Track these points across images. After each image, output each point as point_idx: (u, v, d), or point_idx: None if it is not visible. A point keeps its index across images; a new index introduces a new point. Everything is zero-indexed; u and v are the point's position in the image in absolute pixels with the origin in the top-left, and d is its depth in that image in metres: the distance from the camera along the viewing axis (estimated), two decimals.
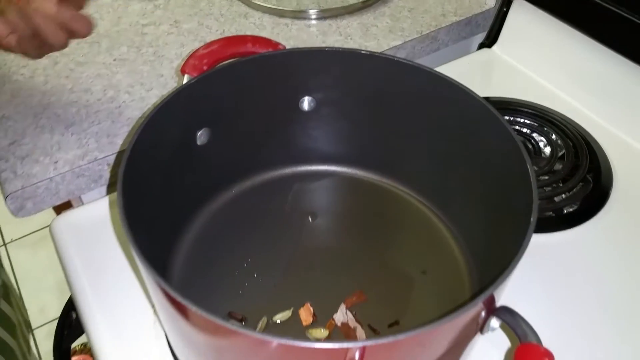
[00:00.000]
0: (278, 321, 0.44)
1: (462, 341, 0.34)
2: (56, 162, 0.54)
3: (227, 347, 0.33)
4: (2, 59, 0.65)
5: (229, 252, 0.49)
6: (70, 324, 0.59)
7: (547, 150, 0.58)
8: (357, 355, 0.29)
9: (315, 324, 0.44)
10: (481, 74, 0.69)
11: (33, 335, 1.31)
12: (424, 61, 0.70)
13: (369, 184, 0.54)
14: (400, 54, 0.68)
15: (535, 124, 0.60)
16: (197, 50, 0.46)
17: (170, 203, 0.46)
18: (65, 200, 0.56)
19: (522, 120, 0.60)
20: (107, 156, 0.54)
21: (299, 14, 0.71)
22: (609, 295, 0.47)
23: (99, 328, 0.46)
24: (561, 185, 0.54)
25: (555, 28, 0.63)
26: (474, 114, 0.43)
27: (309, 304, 0.45)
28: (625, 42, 0.56)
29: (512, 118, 0.60)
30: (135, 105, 0.59)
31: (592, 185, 0.54)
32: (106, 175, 0.56)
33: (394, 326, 0.44)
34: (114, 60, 0.65)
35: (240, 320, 0.44)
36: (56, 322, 0.57)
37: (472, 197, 0.46)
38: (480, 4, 0.73)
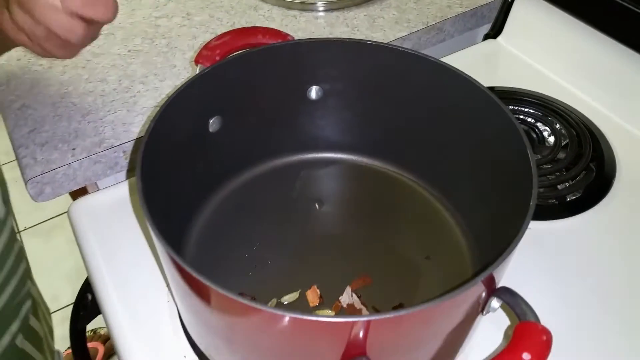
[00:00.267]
0: (286, 302, 0.46)
1: (464, 321, 0.35)
2: (74, 149, 0.55)
3: (239, 322, 0.34)
4: (23, 50, 0.67)
5: (239, 236, 0.50)
6: (85, 305, 0.61)
7: (551, 139, 0.59)
8: (362, 331, 0.30)
9: (321, 305, 0.46)
10: (486, 64, 0.70)
11: None
12: (429, 52, 0.71)
13: (374, 171, 0.55)
14: (407, 45, 0.69)
15: (539, 114, 0.61)
16: (210, 41, 0.47)
17: (184, 188, 0.48)
18: (82, 185, 0.58)
19: (526, 109, 0.61)
20: (122, 143, 0.56)
21: (307, 6, 0.72)
22: (609, 280, 0.48)
23: (115, 307, 0.48)
24: (564, 173, 0.55)
25: (559, 19, 0.64)
26: (477, 103, 0.44)
27: (315, 287, 0.46)
28: (628, 32, 0.57)
29: (516, 107, 0.61)
30: (149, 95, 0.61)
31: (595, 173, 0.55)
32: (122, 162, 0.57)
33: (398, 308, 0.45)
34: (129, 51, 0.67)
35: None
36: (68, 308, 0.59)
37: (475, 184, 0.48)
38: None
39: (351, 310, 0.45)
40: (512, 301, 0.33)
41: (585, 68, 0.64)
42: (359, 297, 0.46)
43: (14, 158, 0.56)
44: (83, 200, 0.56)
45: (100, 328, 1.25)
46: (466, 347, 0.41)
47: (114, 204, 0.55)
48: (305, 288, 0.46)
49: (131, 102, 0.60)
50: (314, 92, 0.52)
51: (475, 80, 0.44)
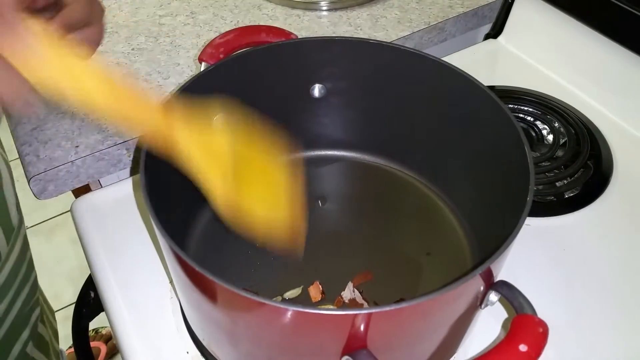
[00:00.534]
0: (288, 298, 0.46)
1: (463, 314, 0.36)
2: (77, 147, 0.56)
3: (242, 317, 0.35)
4: None
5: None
6: (88, 302, 0.61)
7: (550, 137, 0.60)
8: (362, 324, 0.31)
9: (323, 300, 0.46)
10: (487, 63, 0.71)
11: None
12: (431, 51, 0.72)
13: (376, 168, 0.56)
14: (409, 45, 0.69)
15: (539, 112, 0.61)
16: (214, 39, 0.48)
17: (187, 185, 0.48)
18: (85, 183, 0.58)
19: (525, 108, 0.62)
20: (126, 141, 0.57)
21: (310, 5, 0.73)
22: (605, 275, 0.49)
23: (118, 304, 0.48)
24: (563, 170, 0.56)
25: (558, 19, 0.65)
26: (477, 101, 0.45)
27: (318, 282, 0.47)
28: (626, 33, 0.58)
29: (516, 106, 0.62)
30: (153, 93, 0.62)
31: (592, 171, 0.55)
32: (125, 159, 0.58)
33: None
34: (132, 49, 0.67)
35: None
36: (70, 308, 0.59)
37: (475, 181, 0.48)
38: None
39: (353, 305, 0.46)
40: (510, 294, 0.33)
41: (584, 68, 0.64)
42: (361, 293, 0.46)
43: (16, 156, 0.56)
44: (86, 198, 0.57)
45: (102, 327, 1.26)
46: (466, 340, 0.41)
47: (117, 201, 0.56)
48: (307, 284, 0.47)
49: None
50: (317, 90, 0.52)
51: (475, 79, 0.45)
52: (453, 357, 0.42)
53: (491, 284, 0.34)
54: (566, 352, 0.44)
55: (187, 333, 0.46)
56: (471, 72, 0.45)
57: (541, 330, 0.31)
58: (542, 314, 0.32)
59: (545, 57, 0.68)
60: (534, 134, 0.60)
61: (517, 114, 0.62)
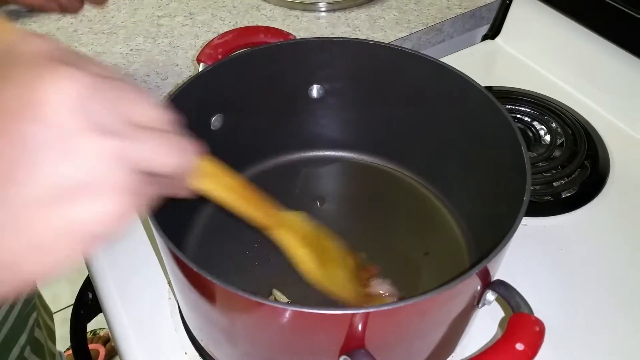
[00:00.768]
0: (285, 300, 0.46)
1: (461, 314, 0.36)
2: None
3: (240, 317, 0.35)
4: None
5: (240, 234, 0.51)
6: (86, 303, 0.61)
7: (547, 138, 0.60)
8: (360, 323, 0.31)
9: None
10: (484, 64, 0.71)
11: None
12: (429, 52, 0.72)
13: (374, 169, 0.56)
14: (407, 45, 0.69)
15: (536, 113, 0.62)
16: (212, 40, 0.48)
17: None
18: None
19: (523, 109, 0.62)
20: None
21: (309, 6, 0.73)
22: (602, 274, 0.49)
23: (116, 305, 0.48)
24: (560, 171, 0.56)
25: (556, 20, 0.65)
26: (475, 102, 0.45)
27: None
28: (623, 34, 0.58)
29: (513, 107, 0.62)
30: (151, 93, 0.62)
31: (589, 171, 0.56)
32: None
33: None
34: (131, 50, 0.68)
35: None
36: (69, 310, 0.59)
37: (473, 181, 0.48)
38: None
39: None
40: (507, 294, 0.33)
41: (581, 68, 0.65)
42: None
43: None
44: None
45: (100, 329, 1.25)
46: (464, 339, 0.41)
47: None
48: (305, 284, 0.47)
49: None
50: (315, 91, 0.52)
51: (473, 80, 0.45)
52: (450, 356, 0.43)
53: (488, 283, 0.34)
54: (563, 350, 0.44)
55: (185, 334, 0.46)
56: (469, 72, 0.45)
57: (538, 329, 0.31)
58: (539, 313, 0.32)
59: (542, 57, 0.69)
60: (531, 135, 0.60)
61: (514, 115, 0.62)
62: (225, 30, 0.56)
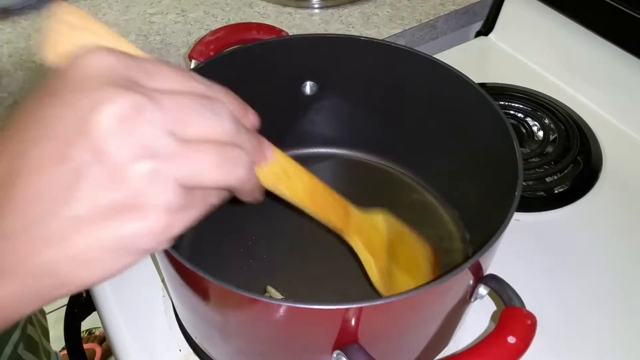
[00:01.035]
0: (279, 297, 0.46)
1: (453, 308, 0.36)
2: None
3: (234, 313, 0.35)
4: (14, 47, 0.68)
5: (234, 232, 0.51)
6: (80, 302, 0.61)
7: (540, 133, 0.60)
8: (353, 318, 0.31)
9: None
10: (478, 61, 0.71)
11: None
12: (423, 49, 0.72)
13: (367, 165, 0.56)
14: (400, 42, 0.69)
15: (529, 109, 0.62)
16: (204, 36, 0.48)
17: None
18: None
19: (516, 105, 0.62)
20: None
21: (302, 3, 0.73)
22: (594, 269, 0.49)
23: (110, 303, 0.48)
24: (552, 166, 0.56)
25: (549, 17, 0.65)
26: (467, 98, 0.45)
27: None
28: (616, 30, 0.58)
29: (506, 103, 0.62)
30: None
31: (582, 166, 0.56)
32: None
33: None
34: None
35: None
36: (64, 309, 0.59)
37: (466, 176, 0.49)
38: None
39: None
40: (499, 288, 0.33)
41: (574, 64, 0.65)
42: None
43: None
44: None
45: (95, 328, 1.25)
46: (457, 333, 0.42)
47: None
48: (300, 281, 0.47)
49: None
50: (308, 88, 0.52)
51: (466, 76, 0.45)
52: (444, 349, 0.43)
53: (481, 277, 0.35)
54: (555, 343, 0.44)
55: (179, 331, 0.46)
56: (462, 69, 0.45)
57: (529, 322, 0.31)
58: (531, 306, 0.32)
59: (535, 54, 0.69)
60: (524, 131, 0.61)
61: (507, 111, 0.62)
62: (218, 27, 0.56)
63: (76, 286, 0.22)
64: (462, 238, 0.50)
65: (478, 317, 0.45)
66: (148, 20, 0.72)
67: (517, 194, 0.35)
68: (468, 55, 0.71)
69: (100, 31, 0.24)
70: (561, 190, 0.55)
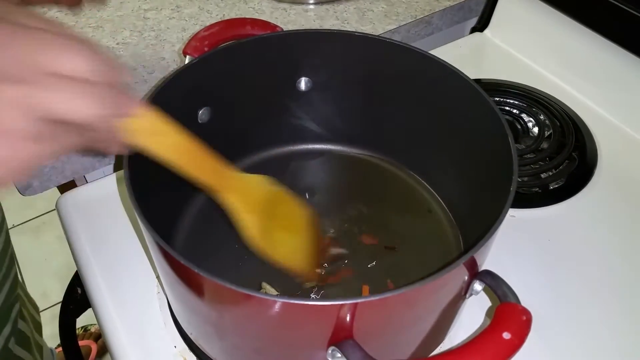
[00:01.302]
0: (274, 293, 0.46)
1: (449, 304, 0.36)
2: None
3: (228, 309, 0.35)
4: None
5: (229, 227, 0.51)
6: (75, 298, 0.61)
7: (535, 130, 0.60)
8: (348, 314, 0.31)
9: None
10: (473, 57, 0.71)
11: None
12: (418, 45, 0.72)
13: (363, 160, 0.56)
14: (396, 38, 0.69)
15: (524, 105, 0.62)
16: (199, 32, 0.48)
17: (172, 180, 0.48)
18: (71, 179, 0.58)
19: (511, 101, 0.62)
20: None
21: None
22: (589, 264, 0.49)
23: (105, 300, 0.48)
24: (547, 162, 0.56)
25: (544, 12, 0.65)
26: (463, 94, 0.45)
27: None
28: (611, 25, 0.58)
29: (502, 99, 0.62)
30: (138, 88, 0.61)
31: (577, 162, 0.56)
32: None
33: None
34: (117, 44, 0.67)
35: None
36: (58, 306, 0.59)
37: (461, 172, 0.49)
38: None
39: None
40: (494, 283, 0.33)
41: (569, 60, 0.65)
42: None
43: None
44: (71, 193, 0.56)
45: (91, 325, 1.25)
46: (452, 329, 0.42)
47: (102, 196, 0.55)
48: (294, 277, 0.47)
49: None
50: (303, 84, 0.52)
51: (462, 72, 0.45)
52: (440, 345, 0.43)
53: (475, 273, 0.35)
54: (550, 339, 0.44)
55: (174, 327, 0.46)
56: (457, 65, 0.45)
57: (524, 318, 0.31)
58: (526, 302, 0.32)
59: (530, 50, 0.69)
60: (519, 127, 0.61)
61: (502, 107, 0.62)
62: (213, 23, 0.56)
63: None
64: (456, 233, 0.50)
65: (473, 313, 0.45)
66: (142, 16, 0.71)
67: (512, 189, 0.35)
68: (463, 51, 0.71)
69: None
70: (556, 186, 0.55)
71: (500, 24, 0.72)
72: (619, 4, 0.56)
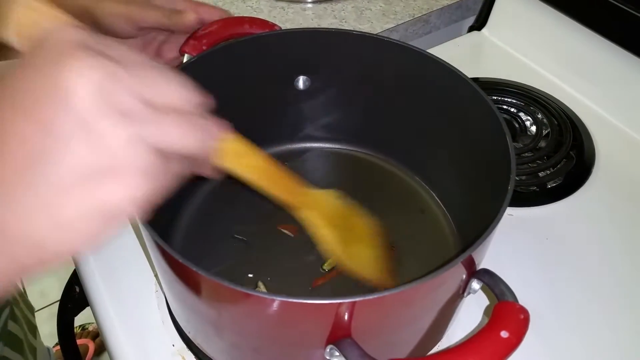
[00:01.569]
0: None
1: (446, 303, 0.36)
2: None
3: (226, 307, 0.35)
4: None
5: (227, 225, 0.51)
6: (73, 297, 0.61)
7: (533, 128, 0.60)
8: (346, 312, 0.31)
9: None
10: (471, 55, 0.71)
11: None
12: (416, 43, 0.72)
13: (361, 159, 0.56)
14: (394, 37, 0.69)
15: (522, 104, 0.62)
16: (197, 30, 0.48)
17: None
18: None
19: (509, 100, 0.62)
20: None
21: None
22: (587, 263, 0.50)
23: (103, 298, 0.48)
24: (545, 161, 0.56)
25: (541, 11, 0.65)
26: (461, 93, 0.45)
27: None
28: (607, 24, 0.58)
29: (499, 98, 0.63)
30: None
31: (575, 161, 0.56)
32: None
33: None
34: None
35: None
36: (56, 305, 0.59)
37: (458, 171, 0.49)
38: None
39: None
40: (492, 282, 0.33)
41: (567, 59, 0.65)
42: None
43: None
44: None
45: (89, 324, 1.25)
46: (450, 328, 0.42)
47: None
48: (291, 274, 0.47)
49: None
50: (301, 82, 0.52)
51: (459, 71, 0.45)
52: (437, 344, 0.43)
53: (473, 272, 0.35)
54: (548, 338, 0.44)
55: (172, 326, 0.46)
56: (455, 64, 0.45)
57: (522, 316, 0.31)
58: (524, 301, 0.33)
59: (528, 49, 0.69)
60: (517, 125, 0.61)
61: (500, 106, 0.62)
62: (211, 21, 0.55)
63: (57, 253, 0.22)
64: (455, 232, 0.50)
65: (471, 312, 0.45)
66: None
67: (510, 188, 0.35)
68: (461, 50, 0.71)
69: (58, 15, 0.25)
70: (554, 185, 0.55)
71: (498, 23, 0.72)
72: (617, 3, 0.56)
